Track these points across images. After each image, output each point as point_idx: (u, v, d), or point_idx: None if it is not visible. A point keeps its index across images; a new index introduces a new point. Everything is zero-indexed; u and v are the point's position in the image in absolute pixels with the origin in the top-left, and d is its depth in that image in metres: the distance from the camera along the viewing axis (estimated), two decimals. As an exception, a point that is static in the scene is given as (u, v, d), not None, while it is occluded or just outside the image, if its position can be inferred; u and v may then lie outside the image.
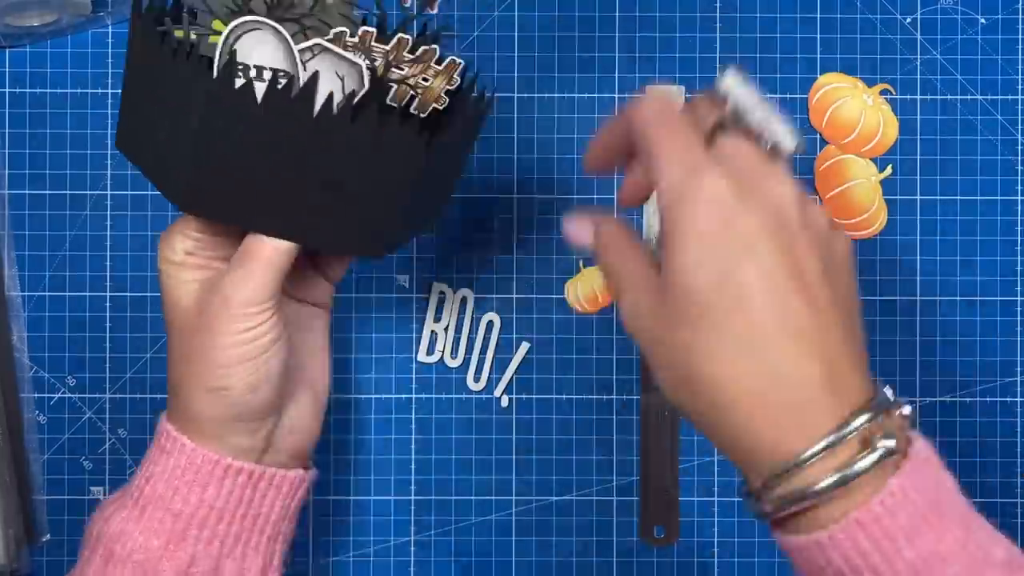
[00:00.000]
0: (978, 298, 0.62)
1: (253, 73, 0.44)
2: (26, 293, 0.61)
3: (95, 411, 0.61)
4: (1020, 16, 0.62)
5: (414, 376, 0.62)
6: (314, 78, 0.43)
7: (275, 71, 0.44)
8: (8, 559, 0.58)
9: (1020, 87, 0.62)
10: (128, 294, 0.61)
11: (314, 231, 0.46)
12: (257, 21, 0.44)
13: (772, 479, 0.38)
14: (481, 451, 0.62)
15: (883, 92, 0.62)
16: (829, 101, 0.62)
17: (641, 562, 0.62)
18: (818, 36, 0.62)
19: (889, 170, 0.62)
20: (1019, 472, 0.62)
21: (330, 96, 0.43)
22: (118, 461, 0.61)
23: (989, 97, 0.62)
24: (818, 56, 0.62)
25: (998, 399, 0.62)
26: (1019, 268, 0.62)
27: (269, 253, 0.47)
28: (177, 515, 0.48)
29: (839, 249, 0.42)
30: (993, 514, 0.62)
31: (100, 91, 0.61)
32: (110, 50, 0.61)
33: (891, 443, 0.37)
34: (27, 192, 0.61)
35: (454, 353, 0.61)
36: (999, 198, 0.62)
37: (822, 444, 0.37)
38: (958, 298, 0.62)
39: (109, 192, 0.61)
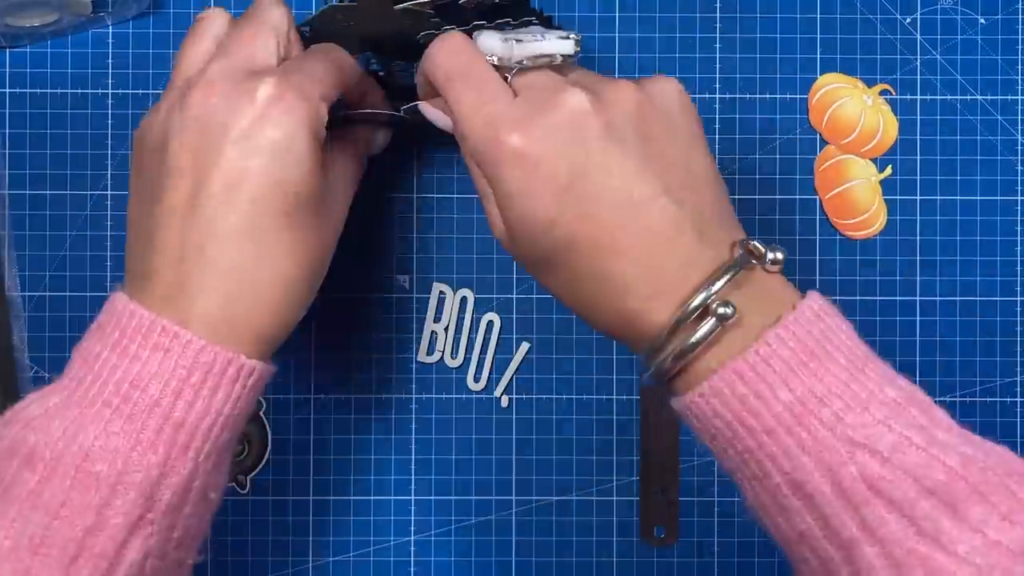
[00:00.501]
0: (978, 298, 0.62)
1: None
2: (26, 293, 0.61)
3: (95, 411, 0.61)
4: (1020, 16, 0.62)
5: (414, 376, 0.62)
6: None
7: None
8: (8, 559, 0.58)
9: (1020, 87, 0.62)
10: (128, 294, 0.61)
11: None
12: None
13: (652, 352, 0.42)
14: (481, 451, 0.62)
15: (883, 92, 0.62)
16: (829, 101, 0.62)
17: (641, 562, 0.62)
18: (818, 36, 0.62)
19: (889, 170, 0.62)
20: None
21: None
22: (118, 461, 0.61)
23: (989, 97, 0.62)
24: (818, 56, 0.62)
25: (998, 399, 0.62)
26: (1019, 268, 0.62)
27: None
28: (178, 425, 0.42)
29: (662, 106, 0.44)
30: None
31: (100, 91, 0.61)
32: (110, 50, 0.61)
33: (727, 309, 0.40)
34: (27, 192, 0.61)
35: (454, 353, 0.61)
36: (999, 198, 0.62)
37: (673, 321, 0.41)
38: (958, 298, 0.62)
39: (109, 192, 0.61)
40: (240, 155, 0.43)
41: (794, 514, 0.40)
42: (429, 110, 0.49)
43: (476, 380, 0.61)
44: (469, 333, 0.62)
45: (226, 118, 0.43)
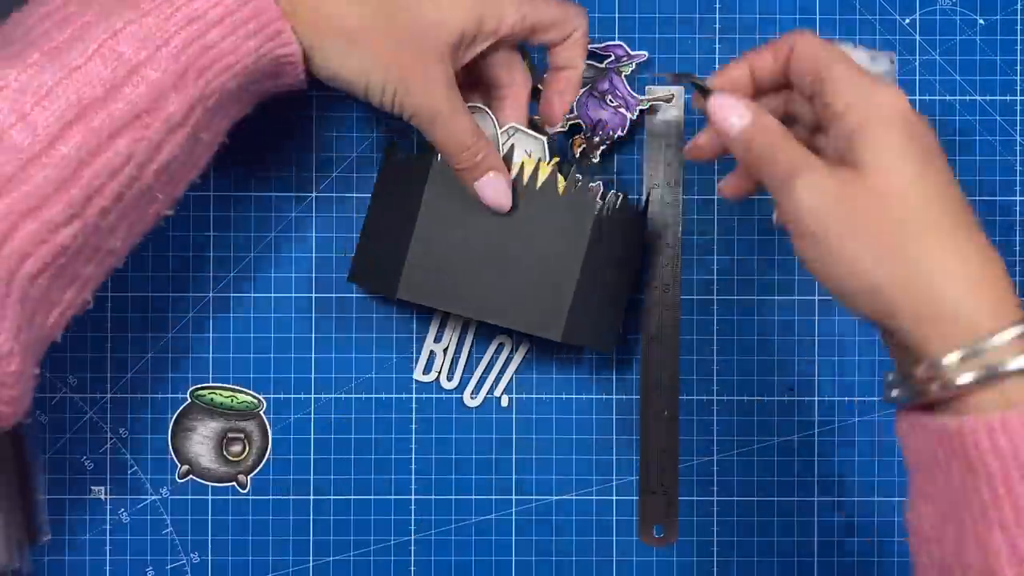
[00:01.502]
0: (977, 298, 0.62)
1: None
2: (27, 293, 0.61)
3: (96, 411, 0.61)
4: (1019, 17, 0.62)
5: (414, 375, 0.62)
6: (510, 151, 0.55)
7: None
8: (8, 559, 0.58)
9: (1019, 88, 0.62)
10: (128, 294, 0.61)
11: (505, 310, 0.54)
12: (474, 106, 0.55)
13: (951, 361, 0.40)
14: (481, 451, 0.62)
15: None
16: None
17: (641, 562, 0.62)
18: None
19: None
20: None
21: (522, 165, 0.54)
22: (119, 461, 0.61)
23: (988, 98, 0.62)
24: (818, 56, 0.62)
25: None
26: (1019, 268, 0.62)
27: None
28: (207, 48, 0.45)
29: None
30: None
31: (101, 91, 0.61)
32: (111, 50, 0.61)
33: None
34: (28, 192, 0.61)
35: (450, 375, 0.61)
36: (999, 198, 0.62)
37: (1017, 329, 0.40)
38: (957, 298, 0.62)
39: (110, 192, 0.61)
40: None
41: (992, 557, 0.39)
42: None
43: (473, 397, 0.61)
44: (469, 354, 0.62)
45: None
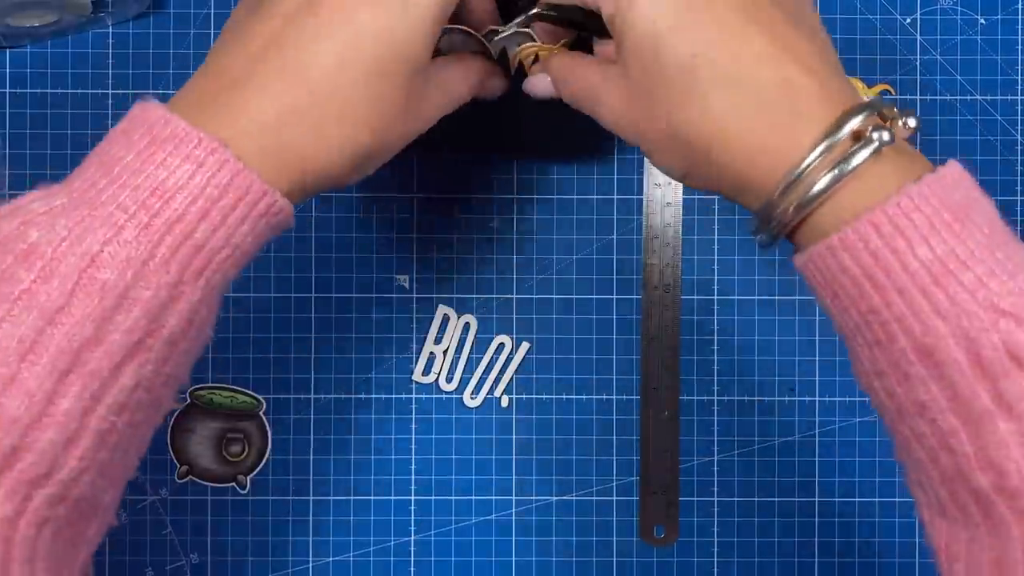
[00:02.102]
0: (978, 298, 0.62)
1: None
2: (26, 293, 0.61)
3: (95, 411, 0.61)
4: (1020, 16, 0.62)
5: (414, 375, 0.62)
6: (502, 54, 0.51)
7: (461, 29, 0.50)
8: (8, 559, 0.58)
9: (1020, 87, 0.62)
10: (128, 294, 0.61)
11: None
12: (451, 28, 0.49)
13: (776, 198, 0.38)
14: (481, 451, 0.62)
15: (883, 92, 0.62)
16: None
17: (641, 562, 0.62)
18: (818, 36, 0.62)
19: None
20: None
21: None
22: (118, 461, 0.61)
23: (989, 97, 0.62)
24: (818, 56, 0.62)
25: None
26: (1019, 268, 0.62)
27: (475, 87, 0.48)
28: (199, 248, 0.38)
29: None
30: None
31: (100, 91, 0.61)
32: (110, 50, 0.61)
33: (885, 135, 0.37)
34: (27, 192, 0.61)
35: (450, 377, 0.61)
36: (999, 198, 0.62)
37: (818, 149, 0.37)
38: (958, 298, 0.62)
39: (109, 192, 0.61)
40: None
41: (917, 383, 0.36)
42: (536, 85, 0.49)
43: (473, 397, 0.61)
44: (469, 355, 0.62)
45: None
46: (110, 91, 0.61)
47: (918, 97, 0.62)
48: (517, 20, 0.50)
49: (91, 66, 0.61)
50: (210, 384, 0.61)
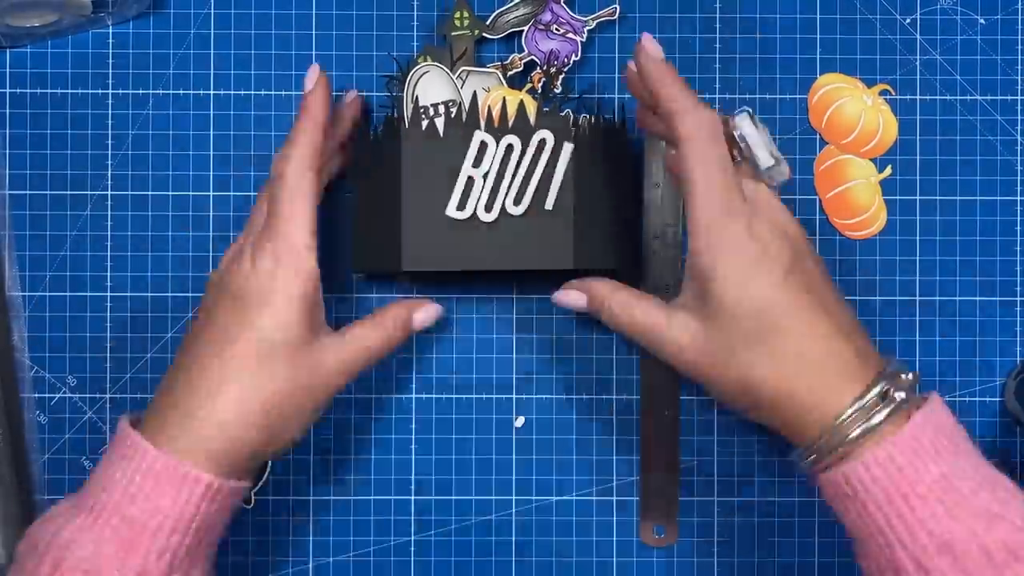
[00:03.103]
0: (978, 298, 0.62)
1: (432, 112, 0.57)
2: (27, 293, 0.61)
3: (95, 411, 0.61)
4: (1020, 16, 0.62)
5: (414, 376, 0.62)
6: (473, 98, 0.56)
7: (446, 103, 0.57)
8: (8, 559, 0.58)
9: (1020, 87, 0.62)
10: (128, 294, 0.61)
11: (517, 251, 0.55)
12: (426, 65, 0.58)
13: (820, 441, 0.48)
14: (481, 451, 0.62)
15: (883, 92, 0.62)
16: (828, 102, 0.62)
17: (641, 562, 0.62)
18: (818, 36, 0.62)
19: (889, 170, 0.62)
20: (1018, 473, 0.62)
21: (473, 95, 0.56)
22: (118, 461, 0.61)
23: (989, 97, 0.62)
24: (818, 56, 0.62)
25: (998, 399, 0.62)
26: (1019, 268, 0.62)
27: (385, 348, 0.54)
28: (131, 522, 0.47)
29: (821, 260, 0.52)
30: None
31: (100, 91, 0.61)
32: (110, 50, 0.61)
33: (902, 395, 0.48)
34: (28, 192, 0.61)
35: (489, 207, 0.56)
36: (999, 198, 0.62)
37: (856, 407, 0.47)
38: (958, 298, 0.62)
39: (109, 192, 0.61)
40: (227, 308, 0.51)
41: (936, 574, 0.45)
42: (568, 300, 0.57)
43: (517, 203, 0.56)
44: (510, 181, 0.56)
45: (227, 279, 0.52)
46: (110, 91, 0.61)
47: (918, 97, 0.62)
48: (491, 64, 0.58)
49: (91, 66, 0.61)
50: None
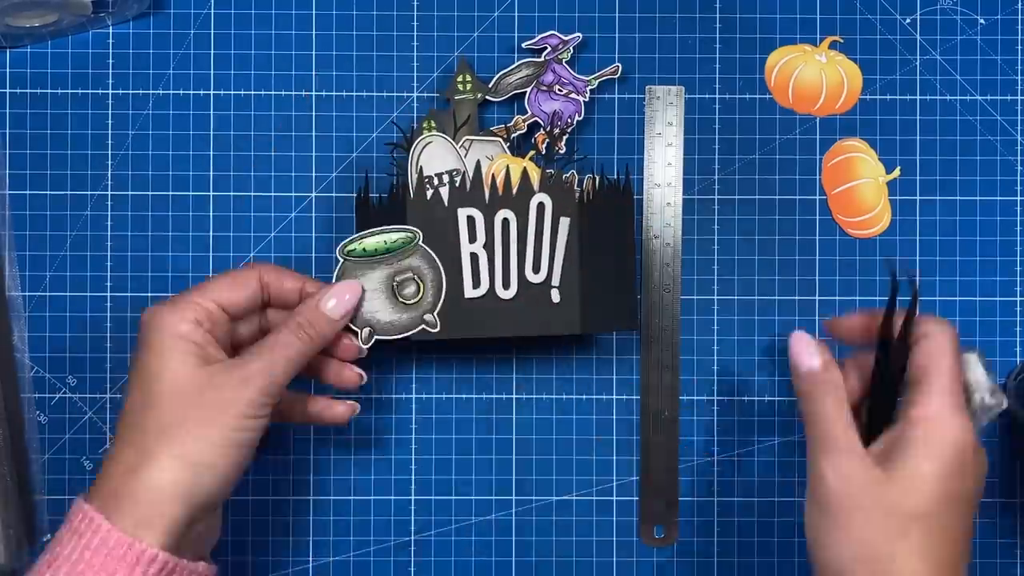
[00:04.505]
0: (978, 298, 0.62)
1: (436, 181, 0.56)
2: (27, 293, 0.61)
3: (95, 411, 0.61)
4: (1019, 17, 0.62)
5: (414, 376, 0.62)
6: (477, 167, 0.56)
7: (450, 172, 0.57)
8: (8, 559, 0.58)
9: (1019, 87, 0.62)
10: (128, 294, 0.61)
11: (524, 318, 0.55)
12: (429, 135, 0.57)
13: None
14: (481, 451, 0.62)
15: (832, 45, 0.62)
16: (787, 75, 0.62)
17: (641, 562, 0.62)
18: (818, 36, 0.62)
19: (898, 172, 0.62)
20: (1018, 473, 0.62)
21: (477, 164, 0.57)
22: (118, 461, 0.61)
23: (988, 97, 0.62)
24: (818, 56, 0.62)
25: (998, 399, 0.62)
26: (1019, 268, 0.62)
27: (302, 349, 0.51)
28: None
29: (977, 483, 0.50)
30: (991, 515, 0.62)
31: (100, 91, 0.61)
32: (110, 50, 0.61)
33: None
34: (28, 192, 0.61)
35: (506, 284, 0.56)
36: (999, 198, 0.62)
37: None
38: (958, 298, 0.62)
39: (110, 192, 0.61)
40: (132, 374, 0.51)
41: None
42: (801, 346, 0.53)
43: (536, 272, 0.56)
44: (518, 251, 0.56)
45: (132, 360, 0.52)
46: (110, 91, 0.61)
47: (918, 97, 0.62)
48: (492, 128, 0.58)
49: (91, 66, 0.61)
50: (355, 236, 0.56)
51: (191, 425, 0.49)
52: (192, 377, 0.49)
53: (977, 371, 0.51)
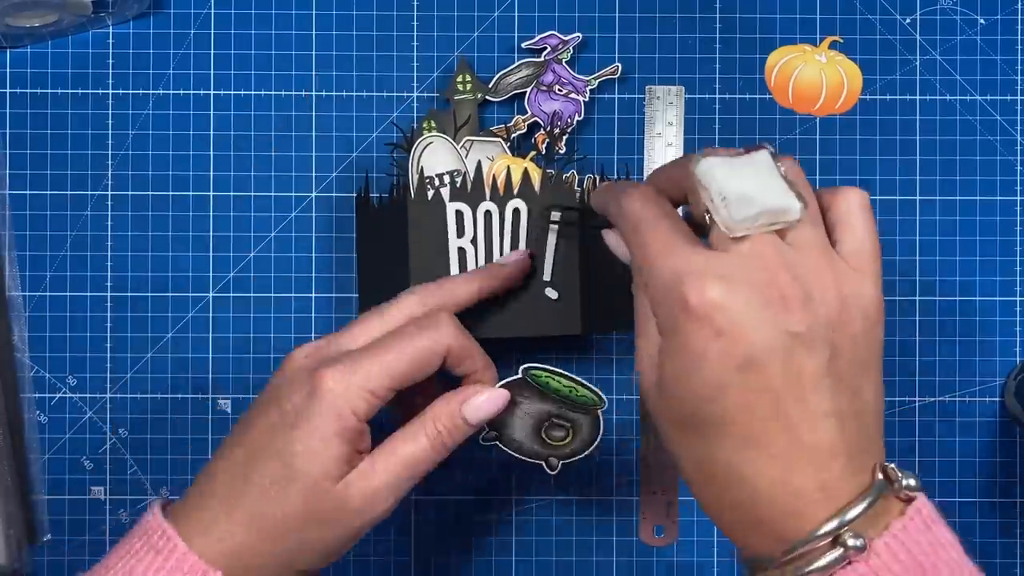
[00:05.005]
0: (978, 298, 0.62)
1: (437, 182, 0.56)
2: (27, 293, 0.61)
3: (95, 411, 0.61)
4: (1019, 17, 0.62)
5: (414, 376, 0.62)
6: (478, 168, 0.56)
7: (451, 172, 0.56)
8: (9, 559, 0.58)
9: (1019, 87, 0.62)
10: (128, 294, 0.61)
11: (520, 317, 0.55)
12: (430, 136, 0.57)
13: (780, 562, 0.41)
14: (481, 451, 0.62)
15: (832, 45, 0.62)
16: (787, 75, 0.62)
17: (641, 562, 0.62)
18: (818, 36, 0.62)
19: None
20: (1018, 472, 0.62)
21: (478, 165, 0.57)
22: (118, 461, 0.61)
23: (988, 97, 0.62)
24: (818, 56, 0.62)
25: (998, 399, 0.62)
26: (1019, 268, 0.62)
27: (433, 459, 0.49)
28: None
29: (859, 316, 0.42)
30: (992, 515, 0.62)
31: (100, 91, 0.61)
32: (110, 50, 0.61)
33: (857, 542, 0.40)
34: (28, 192, 0.61)
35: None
36: (999, 198, 0.62)
37: (794, 552, 0.40)
38: (958, 298, 0.62)
39: (110, 192, 0.61)
40: (271, 420, 0.48)
41: None
42: (611, 237, 0.49)
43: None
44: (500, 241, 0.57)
45: (284, 392, 0.48)
46: (110, 91, 0.61)
47: (918, 97, 0.62)
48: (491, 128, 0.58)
49: (91, 66, 0.61)
50: (548, 368, 0.54)
51: (288, 510, 0.47)
52: (323, 473, 0.47)
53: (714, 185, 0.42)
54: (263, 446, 0.47)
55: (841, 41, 0.62)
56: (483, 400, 0.50)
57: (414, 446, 0.48)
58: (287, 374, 0.49)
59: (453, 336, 0.49)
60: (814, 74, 0.62)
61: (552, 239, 0.56)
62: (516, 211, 0.56)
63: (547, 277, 0.56)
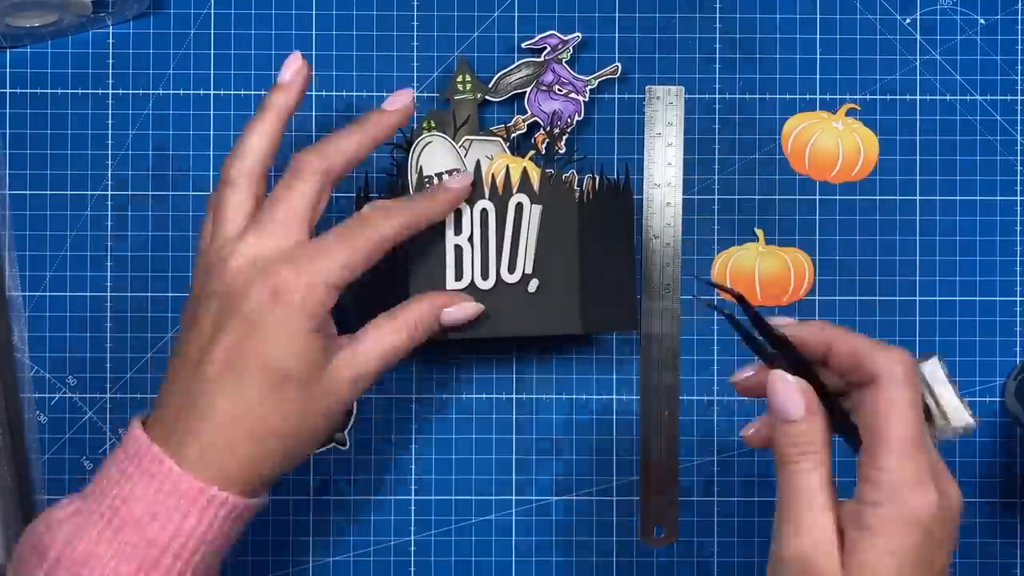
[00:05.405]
0: (978, 298, 0.62)
1: (436, 181, 0.56)
2: (27, 293, 0.61)
3: (95, 411, 0.61)
4: (1019, 17, 0.62)
5: (414, 376, 0.62)
6: (477, 166, 0.56)
7: (449, 172, 0.56)
8: (8, 559, 0.58)
9: (1019, 87, 0.62)
10: (128, 294, 0.61)
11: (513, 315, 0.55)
12: (429, 135, 0.57)
13: None
14: (481, 451, 0.62)
15: (850, 112, 0.62)
16: (803, 142, 0.62)
17: (641, 562, 0.62)
18: (818, 37, 0.62)
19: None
20: (1018, 472, 0.62)
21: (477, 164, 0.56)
22: (118, 461, 0.61)
23: (988, 98, 0.62)
24: (817, 57, 0.62)
25: (998, 399, 0.62)
26: (1019, 268, 0.62)
27: (445, 320, 0.53)
28: (152, 542, 0.47)
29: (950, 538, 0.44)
30: (992, 515, 0.62)
31: (100, 91, 0.61)
32: (110, 50, 0.61)
33: None
34: (28, 192, 0.61)
35: (484, 274, 0.56)
36: (999, 198, 0.62)
37: None
38: (958, 298, 0.62)
39: (110, 192, 0.61)
40: (240, 332, 0.48)
41: None
42: (781, 385, 0.47)
43: (511, 272, 0.56)
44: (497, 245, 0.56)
45: (241, 299, 0.49)
46: (110, 91, 0.61)
47: (918, 97, 0.62)
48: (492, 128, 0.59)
49: (91, 66, 0.61)
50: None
51: (291, 408, 0.49)
52: (312, 363, 0.49)
53: (938, 386, 0.45)
54: (237, 357, 0.48)
55: (859, 108, 0.62)
56: (461, 307, 0.54)
57: (395, 337, 0.52)
58: (228, 280, 0.49)
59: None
60: (831, 141, 0.62)
61: (533, 230, 0.56)
62: (519, 206, 0.56)
63: (528, 270, 0.56)
